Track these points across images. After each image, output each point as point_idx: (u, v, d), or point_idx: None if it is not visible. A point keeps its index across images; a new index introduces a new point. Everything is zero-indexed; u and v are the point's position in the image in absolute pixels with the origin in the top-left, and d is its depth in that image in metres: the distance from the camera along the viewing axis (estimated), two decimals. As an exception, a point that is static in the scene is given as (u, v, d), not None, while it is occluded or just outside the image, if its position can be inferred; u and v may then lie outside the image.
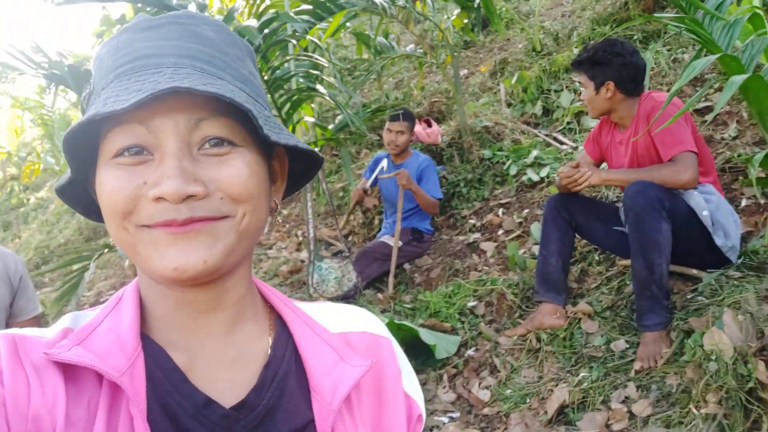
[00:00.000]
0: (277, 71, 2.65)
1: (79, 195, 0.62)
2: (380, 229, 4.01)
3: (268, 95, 2.62)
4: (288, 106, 2.66)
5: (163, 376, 0.56)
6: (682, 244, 2.26)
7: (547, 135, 4.29)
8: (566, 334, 2.49)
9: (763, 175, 2.68)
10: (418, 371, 2.64)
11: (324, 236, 4.54)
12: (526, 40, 6.13)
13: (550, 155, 3.89)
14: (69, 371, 0.53)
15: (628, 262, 2.65)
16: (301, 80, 2.60)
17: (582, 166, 2.42)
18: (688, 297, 2.32)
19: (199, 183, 0.52)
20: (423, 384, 2.59)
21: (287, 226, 5.31)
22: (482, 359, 2.59)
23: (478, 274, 3.25)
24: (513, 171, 3.90)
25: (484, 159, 4.15)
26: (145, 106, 0.50)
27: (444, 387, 2.53)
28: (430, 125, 4.62)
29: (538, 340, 2.53)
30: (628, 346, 2.29)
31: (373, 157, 4.14)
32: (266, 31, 2.60)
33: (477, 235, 3.63)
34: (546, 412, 2.14)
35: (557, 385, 2.24)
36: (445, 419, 2.35)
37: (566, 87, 4.57)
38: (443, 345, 2.64)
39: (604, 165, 2.79)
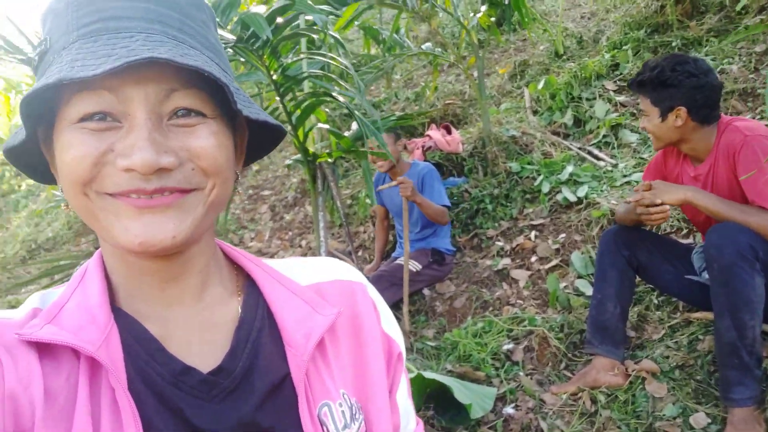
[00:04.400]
0: (288, 70, 2.24)
1: (27, 155, 0.59)
2: (394, 248, 3.62)
3: (277, 98, 2.20)
4: (299, 111, 2.24)
5: (140, 347, 0.56)
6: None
7: (580, 148, 3.90)
8: (627, 396, 2.11)
9: None
10: (447, 430, 2.25)
11: (332, 248, 4.14)
12: (547, 42, 5.75)
13: (587, 172, 3.50)
14: (44, 350, 0.53)
15: (701, 314, 2.27)
16: (316, 82, 2.19)
17: (664, 191, 2.01)
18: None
19: (171, 154, 0.52)
20: (454, 446, 2.20)
21: (290, 234, 4.90)
22: (525, 421, 2.20)
23: (512, 309, 2.85)
24: (545, 188, 3.51)
25: (511, 173, 3.75)
26: (116, 73, 0.49)
27: (480, 453, 2.14)
28: (450, 132, 4.21)
29: (593, 401, 2.14)
30: (710, 421, 1.90)
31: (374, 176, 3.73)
32: (279, 20, 2.18)
33: (507, 260, 3.24)
34: (613, 503, 1.76)
35: (623, 465, 1.86)
36: (484, 498, 1.96)
37: (599, 96, 4.19)
38: (478, 401, 2.25)
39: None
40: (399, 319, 3.02)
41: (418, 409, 2.19)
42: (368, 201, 3.97)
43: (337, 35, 2.04)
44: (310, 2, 2.21)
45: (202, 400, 0.56)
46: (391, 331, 0.71)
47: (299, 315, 0.63)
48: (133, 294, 0.59)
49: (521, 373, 2.43)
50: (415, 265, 3.19)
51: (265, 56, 1.93)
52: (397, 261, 3.24)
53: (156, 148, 0.50)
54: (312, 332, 0.61)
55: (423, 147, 4.13)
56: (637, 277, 2.29)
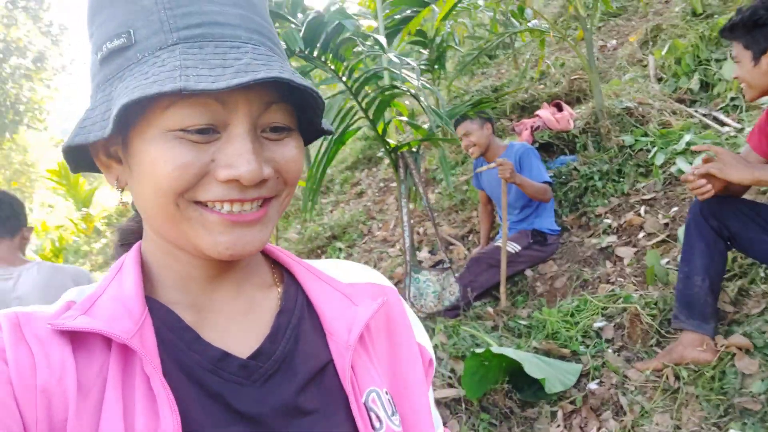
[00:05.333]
0: (356, 71, 2.38)
1: (80, 148, 0.57)
2: (498, 232, 3.65)
3: (351, 97, 2.39)
4: (374, 107, 2.42)
5: (175, 336, 0.56)
6: None
7: (705, 115, 3.59)
8: (715, 372, 1.98)
9: None
10: (528, 404, 2.30)
11: (445, 234, 4.28)
12: (684, 2, 5.27)
13: (706, 140, 3.22)
14: (76, 340, 0.52)
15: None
16: (393, 75, 2.34)
17: (732, 166, 1.87)
18: None
19: (267, 166, 0.53)
20: (534, 419, 2.24)
21: (411, 222, 5.11)
22: (606, 396, 2.17)
23: (610, 287, 2.77)
24: (659, 160, 3.31)
25: (624, 146, 3.58)
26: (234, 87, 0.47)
27: (558, 426, 2.16)
28: (560, 109, 4.11)
29: (677, 378, 2.05)
30: (800, 399, 1.74)
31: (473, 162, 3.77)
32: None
33: (612, 238, 3.12)
34: (681, 478, 1.70)
35: (699, 442, 1.78)
36: (555, 468, 1.99)
37: (730, 55, 3.79)
38: (558, 376, 2.26)
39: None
40: (497, 299, 3.08)
41: (495, 383, 2.27)
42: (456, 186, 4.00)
43: (380, 37, 2.17)
44: (343, 11, 2.35)
45: (242, 385, 0.55)
46: (422, 341, 0.71)
47: (339, 306, 0.63)
48: (171, 285, 0.59)
49: (609, 350, 2.38)
50: (514, 247, 3.21)
51: (328, 61, 2.13)
52: (496, 243, 3.28)
53: (258, 161, 0.51)
54: (355, 321, 0.62)
55: (532, 127, 4.08)
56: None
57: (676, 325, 2.17)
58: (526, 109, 5.02)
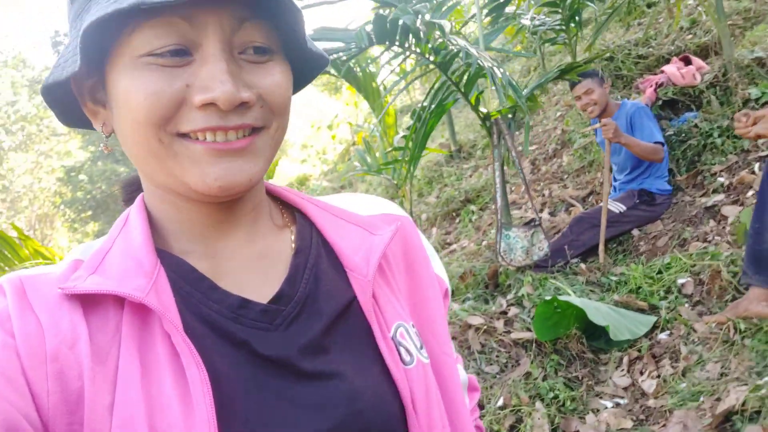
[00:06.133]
0: (441, 51, 2.67)
1: (62, 92, 0.55)
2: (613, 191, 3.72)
3: (441, 73, 2.73)
4: (464, 80, 2.73)
5: (191, 287, 0.54)
6: None
7: None
8: (774, 326, 2.04)
9: None
10: (600, 350, 2.52)
11: (567, 195, 4.41)
12: None
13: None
14: (88, 302, 0.50)
15: None
16: (470, 54, 2.60)
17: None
18: None
19: (248, 89, 0.50)
20: (604, 364, 2.46)
21: (541, 185, 5.25)
22: (670, 345, 2.31)
23: (705, 245, 2.80)
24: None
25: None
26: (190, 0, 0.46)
27: (622, 370, 2.36)
28: (688, 62, 3.96)
29: (737, 330, 2.13)
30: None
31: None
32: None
33: (720, 196, 3.08)
34: (712, 415, 1.86)
35: (737, 386, 1.90)
36: (609, 403, 2.22)
37: None
38: (628, 325, 2.44)
39: None
40: (597, 257, 3.23)
41: (567, 329, 2.52)
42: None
43: (444, 23, 2.45)
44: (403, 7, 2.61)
45: (265, 330, 0.54)
46: (438, 269, 0.71)
47: (355, 239, 0.62)
48: (180, 235, 0.58)
49: (687, 305, 2.48)
50: (619, 207, 3.31)
51: (411, 46, 2.48)
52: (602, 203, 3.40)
53: (235, 81, 0.49)
54: (372, 251, 0.60)
55: (657, 84, 4.00)
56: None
57: (744, 281, 2.23)
58: (646, 66, 4.83)
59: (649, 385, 2.16)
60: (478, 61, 2.42)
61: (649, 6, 7.04)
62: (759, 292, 2.15)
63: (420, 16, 2.36)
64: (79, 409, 0.46)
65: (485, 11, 3.57)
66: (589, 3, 5.11)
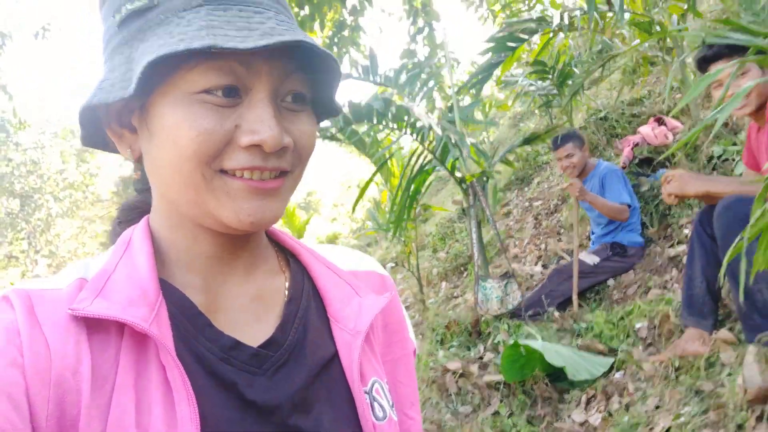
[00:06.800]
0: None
1: (93, 114, 0.56)
2: (591, 244, 3.99)
3: (418, 143, 3.12)
4: (440, 149, 3.13)
5: (188, 322, 0.55)
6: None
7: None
8: (706, 363, 2.28)
9: None
10: (565, 390, 2.76)
11: (559, 248, 4.68)
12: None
13: (788, 145, 3.26)
14: (92, 326, 0.50)
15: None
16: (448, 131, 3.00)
17: (687, 183, 2.20)
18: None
19: (287, 135, 0.53)
20: (567, 402, 2.70)
21: (541, 238, 5.53)
22: (621, 383, 2.55)
23: (663, 291, 3.05)
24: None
25: (713, 157, 3.70)
26: (260, 49, 0.48)
27: (580, 407, 2.60)
28: (662, 123, 4.29)
29: (676, 368, 2.37)
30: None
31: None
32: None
33: (683, 247, 3.33)
34: (643, 444, 2.10)
35: (666, 416, 2.14)
36: (565, 438, 2.46)
37: None
38: (587, 367, 2.69)
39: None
40: (570, 305, 3.49)
41: (532, 371, 2.78)
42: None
43: (412, 105, 2.86)
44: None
45: (253, 374, 0.55)
46: (411, 332, 0.74)
47: (344, 295, 0.64)
48: (185, 267, 0.58)
49: (640, 347, 2.72)
50: (593, 259, 3.58)
51: (388, 123, 2.90)
52: (580, 256, 3.68)
53: (280, 126, 0.52)
54: (361, 312, 0.62)
55: (633, 143, 4.32)
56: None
57: (682, 322, 2.48)
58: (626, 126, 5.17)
59: (596, 419, 2.40)
60: (449, 135, 2.81)
61: (653, 64, 7.42)
62: (693, 332, 2.39)
63: (392, 101, 2.79)
64: None
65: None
66: (575, 70, 5.52)
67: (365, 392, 0.60)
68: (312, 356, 0.60)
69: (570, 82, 5.69)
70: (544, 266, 4.61)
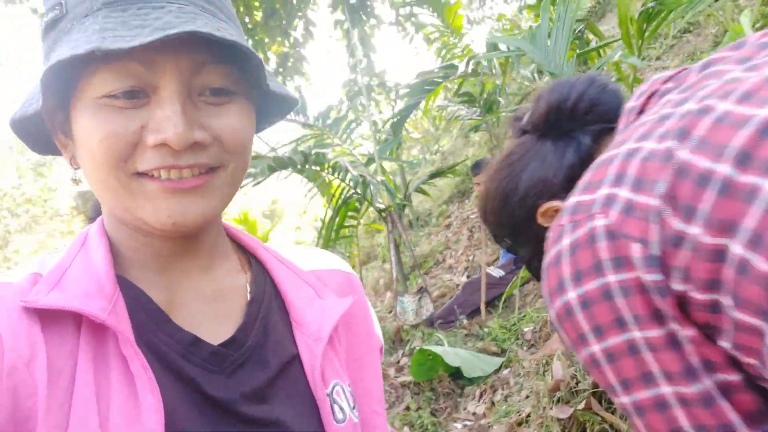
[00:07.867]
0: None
1: (31, 124, 0.56)
2: (498, 259, 4.56)
3: (341, 180, 3.63)
4: (360, 184, 3.65)
5: (146, 316, 0.55)
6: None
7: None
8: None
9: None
10: (466, 386, 3.30)
11: (481, 261, 5.25)
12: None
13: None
14: (46, 318, 0.50)
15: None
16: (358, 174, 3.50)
17: None
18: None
19: (203, 129, 0.52)
20: (466, 396, 3.24)
21: (473, 249, 6.09)
22: (506, 378, 3.10)
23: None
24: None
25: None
26: (148, 45, 0.46)
27: (474, 400, 3.14)
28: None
29: (543, 363, 2.92)
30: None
31: None
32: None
33: (572, 260, 3.92)
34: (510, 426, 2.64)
35: (530, 403, 2.68)
36: (459, 425, 2.99)
37: None
38: (481, 366, 3.23)
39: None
40: (489, 313, 4.04)
41: (437, 372, 3.30)
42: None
43: (327, 152, 3.38)
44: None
45: (210, 372, 0.56)
46: (377, 329, 0.74)
47: (305, 297, 0.65)
48: (140, 264, 0.58)
49: (525, 348, 3.28)
50: (499, 272, 4.15)
51: (311, 167, 3.40)
52: (488, 269, 4.24)
53: (189, 122, 0.50)
54: (324, 316, 0.63)
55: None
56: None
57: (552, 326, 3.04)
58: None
59: (482, 409, 2.93)
60: (361, 174, 3.32)
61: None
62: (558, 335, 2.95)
63: (309, 151, 3.29)
64: (26, 429, 0.46)
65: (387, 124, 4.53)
66: (500, 99, 6.10)
67: (326, 395, 0.60)
68: (273, 358, 0.60)
69: (497, 107, 6.29)
70: (469, 276, 5.17)
